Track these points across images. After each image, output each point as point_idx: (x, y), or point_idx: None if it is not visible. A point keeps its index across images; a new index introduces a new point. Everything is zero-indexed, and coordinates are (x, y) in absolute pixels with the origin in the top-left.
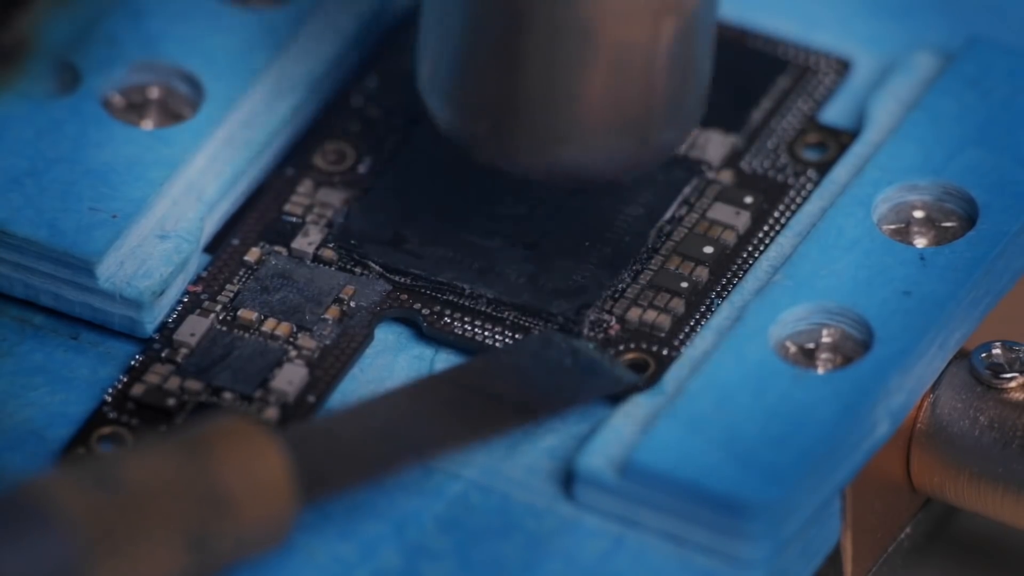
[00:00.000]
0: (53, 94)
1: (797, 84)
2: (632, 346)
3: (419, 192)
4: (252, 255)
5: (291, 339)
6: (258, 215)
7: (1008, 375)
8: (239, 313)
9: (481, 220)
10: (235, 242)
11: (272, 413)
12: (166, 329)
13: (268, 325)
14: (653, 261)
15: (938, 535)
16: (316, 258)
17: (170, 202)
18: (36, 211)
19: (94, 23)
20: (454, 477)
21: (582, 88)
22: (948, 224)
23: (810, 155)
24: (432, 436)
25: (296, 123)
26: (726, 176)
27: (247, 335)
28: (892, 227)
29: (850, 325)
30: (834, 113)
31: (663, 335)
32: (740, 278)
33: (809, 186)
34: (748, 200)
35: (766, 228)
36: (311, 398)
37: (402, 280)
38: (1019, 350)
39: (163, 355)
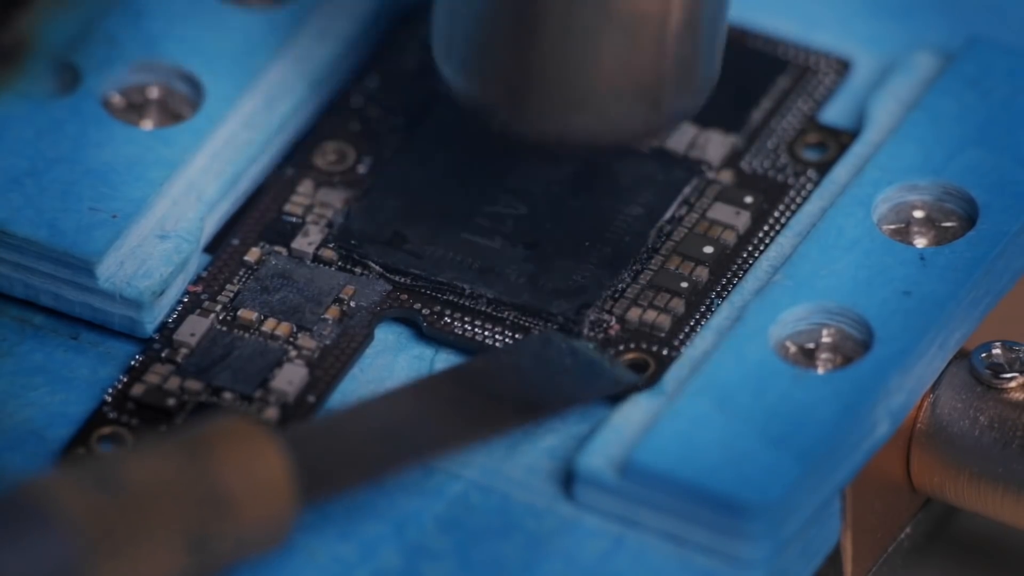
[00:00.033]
0: (53, 94)
1: (797, 84)
2: (632, 346)
3: (419, 192)
4: (252, 255)
5: (291, 339)
6: (258, 215)
7: (1008, 375)
8: (239, 313)
9: (481, 220)
10: (235, 242)
11: (272, 413)
12: (166, 329)
13: (268, 325)
14: (653, 261)
15: (938, 535)
16: (316, 258)
17: (170, 202)
18: (36, 211)
19: (94, 23)
20: (454, 477)
21: (596, 55)
22: (948, 224)
23: (810, 155)
24: (432, 436)
25: (296, 123)
26: (726, 176)
27: (247, 335)
28: (892, 227)
29: (850, 325)
30: (834, 113)
31: (663, 335)
32: (740, 278)
33: (809, 186)
34: (748, 200)
35: (766, 228)
36: (311, 398)
37: (402, 280)
38: (1019, 350)
39: (163, 355)
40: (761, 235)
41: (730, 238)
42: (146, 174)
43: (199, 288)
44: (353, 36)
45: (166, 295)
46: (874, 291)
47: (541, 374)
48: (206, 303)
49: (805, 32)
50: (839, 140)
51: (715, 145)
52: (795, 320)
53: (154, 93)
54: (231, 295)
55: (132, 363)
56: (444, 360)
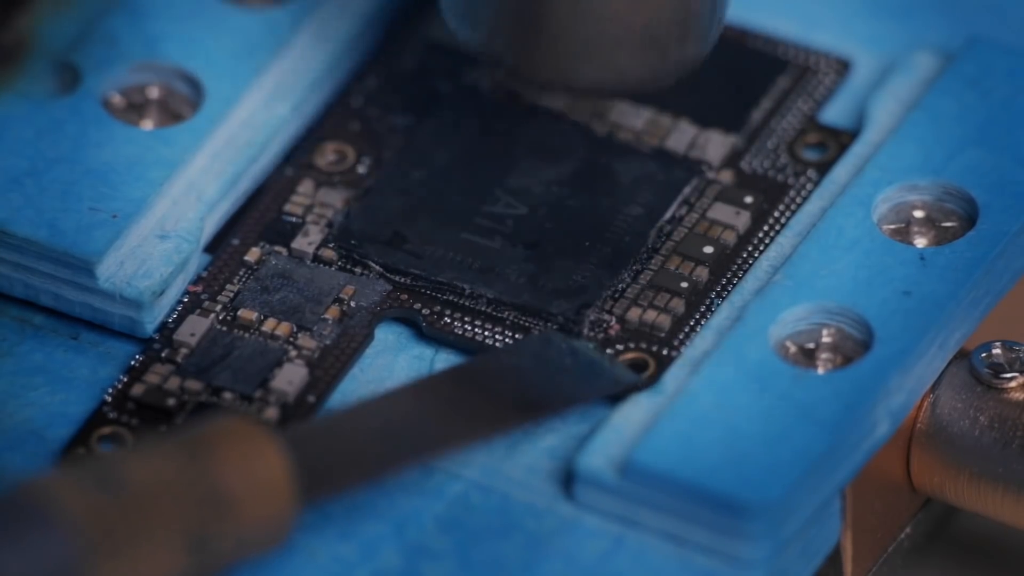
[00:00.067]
0: (53, 94)
1: (797, 84)
2: (632, 346)
3: (419, 192)
4: (252, 255)
5: (291, 339)
6: (258, 215)
7: (1008, 375)
8: (239, 313)
9: (481, 220)
10: (235, 242)
11: (272, 413)
12: (166, 329)
13: (268, 325)
14: (653, 261)
15: (938, 535)
16: (316, 258)
17: (170, 202)
18: (36, 211)
19: (94, 23)
20: (454, 477)
21: (604, 2)
22: (948, 224)
23: (810, 155)
24: (433, 436)
25: (296, 123)
26: (726, 176)
27: (247, 335)
28: (892, 227)
29: (850, 325)
30: (834, 113)
31: (663, 335)
32: (740, 278)
33: (809, 186)
34: (748, 200)
35: (766, 228)
36: (311, 398)
37: (402, 280)
38: (1019, 350)
39: (163, 355)
40: (761, 235)
41: (730, 238)
42: (146, 174)
43: (199, 288)
44: (353, 36)
45: (166, 295)
46: (874, 291)
47: (541, 374)
48: (206, 303)
49: (805, 32)
50: (839, 140)
51: (715, 145)
52: (795, 320)
53: (154, 93)
54: (231, 295)
55: (132, 363)
56: (444, 360)
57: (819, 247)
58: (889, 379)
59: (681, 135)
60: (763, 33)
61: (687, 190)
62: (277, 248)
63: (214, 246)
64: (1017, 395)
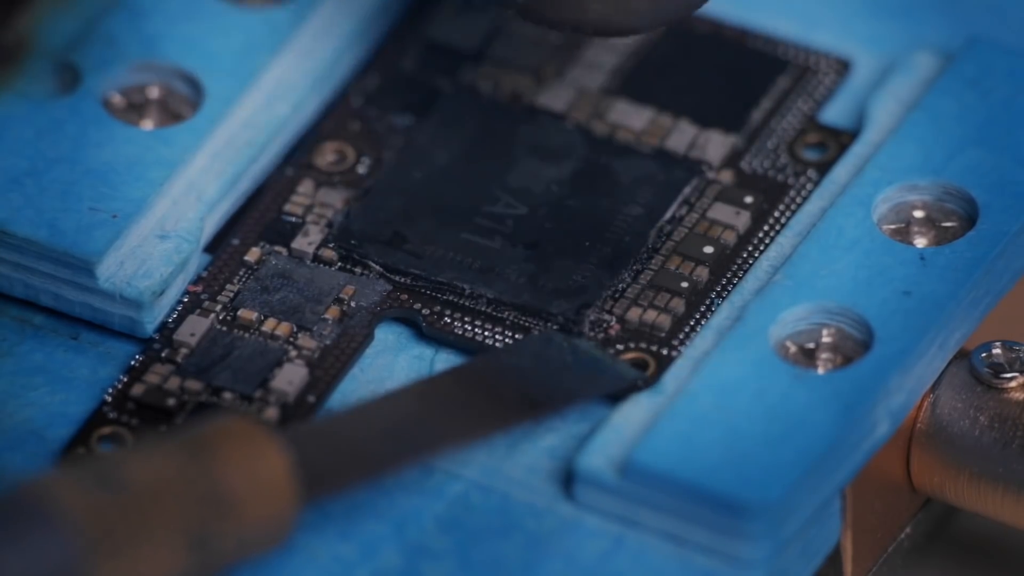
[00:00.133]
0: (53, 94)
1: (797, 84)
2: (632, 346)
3: (419, 192)
4: (252, 255)
5: (291, 339)
6: (258, 215)
7: (1008, 375)
8: (239, 313)
9: (481, 220)
10: (235, 242)
11: (272, 413)
12: (166, 329)
13: (268, 325)
14: (653, 261)
15: (938, 535)
16: (316, 258)
17: (170, 202)
18: (36, 211)
19: (94, 23)
20: (454, 477)
21: None
22: (948, 224)
23: (810, 155)
24: (433, 435)
25: (296, 123)
26: (726, 176)
27: (247, 335)
28: (892, 227)
29: (850, 325)
30: (834, 113)
31: (663, 335)
32: (740, 278)
33: (809, 186)
34: (748, 200)
35: (766, 228)
36: (311, 398)
37: (402, 280)
38: (1019, 350)
39: (163, 355)
40: (761, 235)
41: (730, 238)
42: (146, 174)
43: (199, 288)
44: (353, 36)
45: (166, 295)
46: (874, 291)
47: (542, 372)
48: (206, 303)
49: (805, 32)
50: (839, 140)
51: (715, 145)
52: (795, 320)
53: (154, 93)
54: (231, 295)
55: (132, 363)
56: (444, 360)
57: (819, 247)
58: (889, 379)
59: (681, 135)
60: (763, 33)
61: (687, 190)
62: (277, 248)
63: (214, 246)
64: (1017, 395)
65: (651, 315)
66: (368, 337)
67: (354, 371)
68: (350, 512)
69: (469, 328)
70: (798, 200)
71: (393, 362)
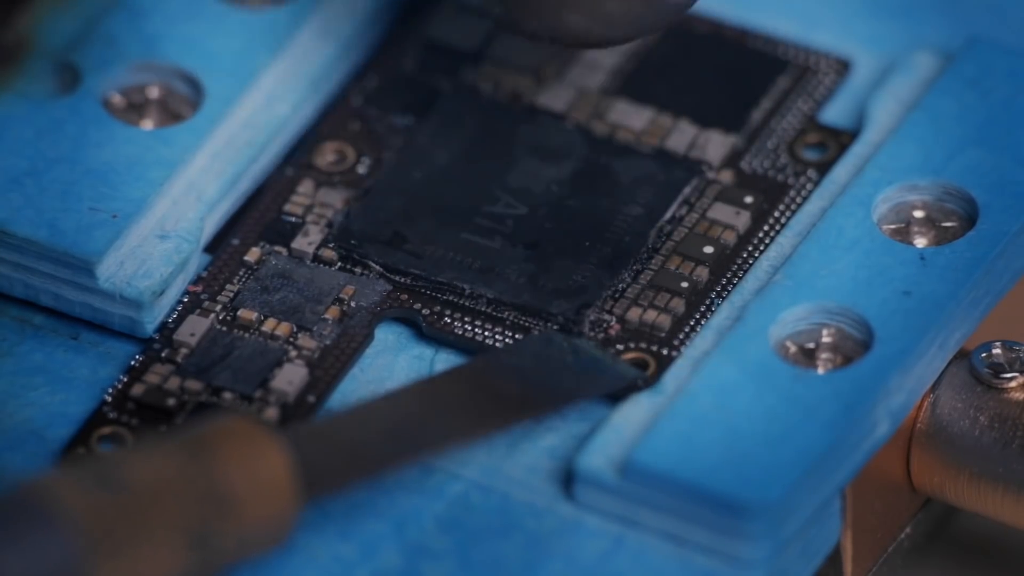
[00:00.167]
0: (53, 94)
1: (797, 84)
2: (632, 346)
3: (419, 192)
4: (252, 255)
5: (291, 339)
6: (258, 215)
7: (1008, 375)
8: (239, 313)
9: (481, 220)
10: (235, 242)
11: (272, 413)
12: (166, 329)
13: (268, 325)
14: (653, 261)
15: (938, 535)
16: (316, 258)
17: (170, 202)
18: (36, 211)
19: (94, 23)
20: (454, 477)
21: None
22: (948, 224)
23: (810, 155)
24: (433, 435)
25: (296, 123)
26: (726, 176)
27: (247, 335)
28: (892, 227)
29: (850, 325)
30: (834, 113)
31: (663, 335)
32: (740, 278)
33: (809, 186)
34: (748, 200)
35: (766, 228)
36: (311, 398)
37: (402, 280)
38: (1019, 350)
39: (163, 355)
40: (761, 235)
41: (730, 238)
42: (146, 174)
43: (199, 288)
44: (353, 36)
45: (166, 295)
46: (874, 291)
47: (542, 372)
48: (206, 303)
49: (805, 32)
50: (839, 140)
51: (715, 145)
52: (795, 320)
53: (154, 93)
54: (231, 295)
55: (132, 363)
56: (444, 360)
57: (819, 247)
58: (889, 379)
59: (681, 135)
60: (763, 33)
61: (687, 190)
62: (277, 248)
63: (214, 246)
64: (1017, 395)
65: (651, 315)
66: (368, 337)
67: (354, 371)
68: (350, 512)
69: (469, 328)
70: (798, 200)
71: (393, 362)
